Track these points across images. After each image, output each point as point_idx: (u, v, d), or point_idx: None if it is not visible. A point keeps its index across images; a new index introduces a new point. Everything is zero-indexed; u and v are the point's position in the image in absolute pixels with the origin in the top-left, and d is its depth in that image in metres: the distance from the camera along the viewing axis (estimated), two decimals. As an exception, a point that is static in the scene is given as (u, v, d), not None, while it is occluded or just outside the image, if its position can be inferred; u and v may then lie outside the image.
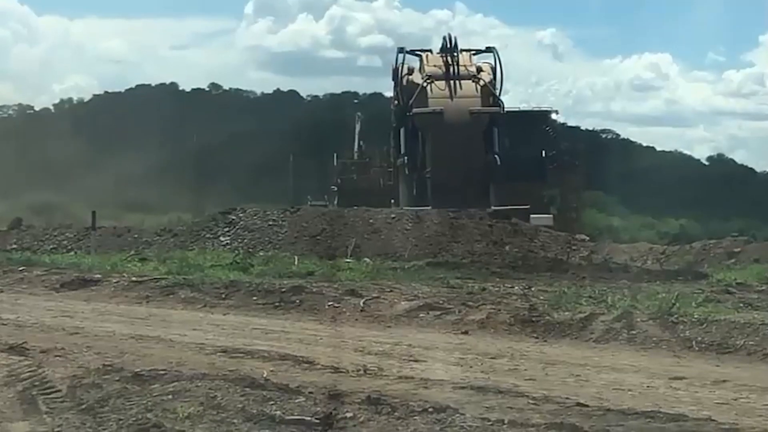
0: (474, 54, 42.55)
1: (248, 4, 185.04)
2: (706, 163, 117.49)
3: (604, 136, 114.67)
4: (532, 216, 34.89)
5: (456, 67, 40.41)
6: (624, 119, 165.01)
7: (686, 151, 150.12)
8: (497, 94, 40.57)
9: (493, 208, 35.17)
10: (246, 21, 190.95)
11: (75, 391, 9.18)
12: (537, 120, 46.06)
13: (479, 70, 40.86)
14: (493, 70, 41.39)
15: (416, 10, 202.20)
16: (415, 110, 39.54)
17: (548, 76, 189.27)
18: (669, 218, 76.89)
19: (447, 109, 39.16)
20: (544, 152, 46.36)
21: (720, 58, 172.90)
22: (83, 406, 8.67)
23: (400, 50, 42.52)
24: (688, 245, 31.10)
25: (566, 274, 21.59)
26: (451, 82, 40.07)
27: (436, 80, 40.03)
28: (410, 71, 41.32)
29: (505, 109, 43.88)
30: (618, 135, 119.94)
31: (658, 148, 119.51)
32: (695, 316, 13.24)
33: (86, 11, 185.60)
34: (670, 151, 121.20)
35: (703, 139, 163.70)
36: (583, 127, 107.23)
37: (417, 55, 42.55)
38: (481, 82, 40.00)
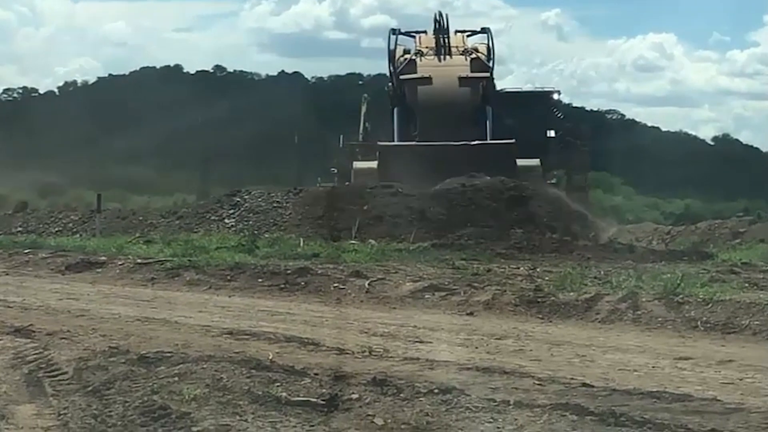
0: (469, 35, 42.51)
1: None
2: (712, 143, 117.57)
3: (609, 116, 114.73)
4: (518, 161, 34.80)
5: (446, 42, 40.49)
6: (629, 100, 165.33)
7: (691, 132, 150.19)
8: (491, 73, 40.53)
9: (477, 141, 35.31)
10: (249, 3, 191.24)
11: (81, 374, 9.19)
12: (539, 100, 45.97)
13: (474, 50, 40.87)
14: (489, 50, 41.34)
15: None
16: (402, 77, 39.57)
17: (553, 57, 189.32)
18: (674, 199, 76.90)
19: (435, 75, 39.15)
20: (548, 132, 46.36)
21: (724, 38, 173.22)
22: (89, 389, 8.67)
23: (393, 31, 42.34)
24: (693, 225, 31.22)
25: (571, 254, 21.58)
26: (441, 57, 40.15)
27: (427, 56, 40.17)
28: (405, 52, 41.28)
29: (508, 90, 44.24)
30: (623, 115, 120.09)
31: (663, 129, 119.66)
32: (700, 296, 13.23)
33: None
34: (675, 132, 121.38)
35: (708, 119, 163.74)
36: (587, 108, 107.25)
37: (411, 36, 42.45)
38: (473, 55, 40.00)
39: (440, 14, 41.63)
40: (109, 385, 8.74)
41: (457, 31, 42.19)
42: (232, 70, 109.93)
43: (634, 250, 22.82)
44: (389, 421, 7.79)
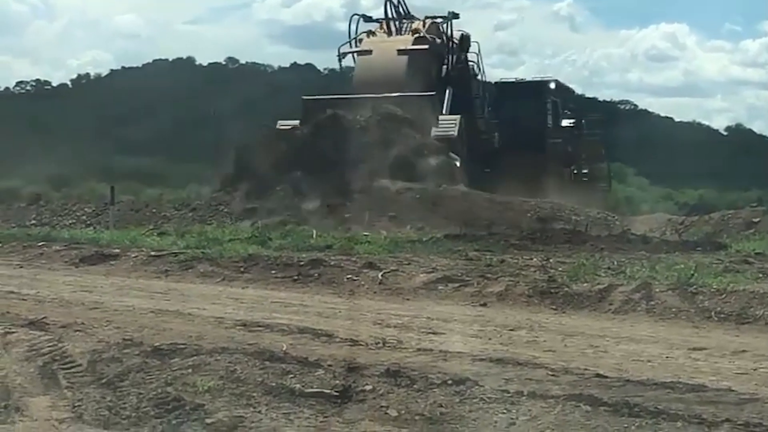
0: (442, 21, 42.69)
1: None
2: (725, 134, 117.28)
3: (621, 107, 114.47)
4: (433, 128, 35.14)
5: (398, 24, 40.82)
6: (641, 90, 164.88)
7: (704, 122, 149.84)
8: (453, 56, 40.91)
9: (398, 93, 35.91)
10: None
11: (95, 366, 9.21)
12: (535, 90, 46.06)
13: (442, 35, 41.40)
14: (450, 35, 41.91)
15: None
16: (343, 50, 40.15)
17: (565, 48, 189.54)
18: (687, 189, 76.62)
19: (376, 48, 39.84)
20: (562, 122, 46.45)
21: (737, 28, 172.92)
22: (103, 381, 8.70)
23: (359, 17, 42.82)
24: (706, 216, 31.05)
25: (585, 245, 21.54)
26: (391, 36, 40.88)
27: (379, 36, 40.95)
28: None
29: (504, 80, 44.67)
30: (636, 106, 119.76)
31: (677, 119, 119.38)
32: (714, 287, 13.20)
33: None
34: (689, 122, 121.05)
35: (721, 109, 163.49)
36: (600, 98, 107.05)
37: (377, 21, 42.74)
38: (421, 33, 40.22)
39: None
40: (123, 377, 8.77)
41: (427, 17, 42.39)
42: (244, 62, 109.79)
43: (647, 241, 22.73)
44: (403, 412, 7.80)
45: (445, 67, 40.96)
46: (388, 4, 41.79)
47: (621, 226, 28.37)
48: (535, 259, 17.84)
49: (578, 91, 55.19)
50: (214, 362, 9.17)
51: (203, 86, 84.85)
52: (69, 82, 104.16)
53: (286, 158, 32.28)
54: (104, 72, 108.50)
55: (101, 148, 58.98)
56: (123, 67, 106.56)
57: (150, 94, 76.80)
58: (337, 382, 8.54)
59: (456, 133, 35.58)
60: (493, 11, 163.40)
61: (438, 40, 40.97)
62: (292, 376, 8.73)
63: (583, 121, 48.82)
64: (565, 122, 47.02)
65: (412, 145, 33.09)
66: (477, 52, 43.72)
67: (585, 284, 14.11)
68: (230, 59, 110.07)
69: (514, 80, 49.08)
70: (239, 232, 23.43)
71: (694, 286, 13.26)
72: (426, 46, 39.64)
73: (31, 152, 51.41)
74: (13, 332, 10.99)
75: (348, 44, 41.72)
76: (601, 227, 27.75)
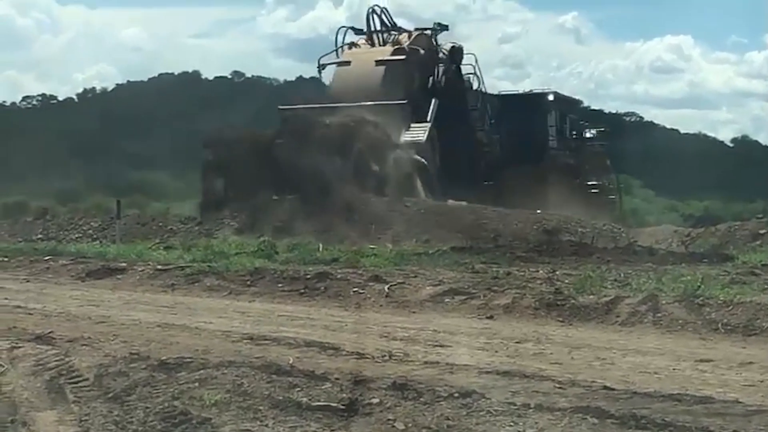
0: (431, 33, 43.19)
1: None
2: (731, 145, 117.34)
3: (627, 119, 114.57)
4: (403, 135, 35.29)
5: (384, 35, 41.09)
6: (647, 102, 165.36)
7: (710, 134, 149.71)
8: (439, 69, 41.32)
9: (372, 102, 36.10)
10: (266, 8, 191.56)
11: (102, 380, 9.22)
12: (534, 102, 46.26)
13: (427, 47, 41.64)
14: (456, 50, 42.37)
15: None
16: (323, 61, 40.44)
17: (570, 60, 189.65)
18: (693, 200, 76.65)
19: (355, 59, 40.18)
20: (585, 132, 46.70)
21: (742, 40, 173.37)
22: (110, 395, 8.71)
23: (342, 28, 43.31)
24: (713, 227, 31.02)
25: (591, 257, 21.51)
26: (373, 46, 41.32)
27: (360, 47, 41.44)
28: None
29: (503, 93, 44.92)
30: (642, 118, 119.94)
31: (682, 131, 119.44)
32: (721, 298, 13.18)
33: (107, 1, 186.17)
34: (695, 134, 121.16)
35: (727, 121, 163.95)
36: (606, 110, 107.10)
37: (364, 33, 43.02)
38: (404, 45, 40.42)
39: (373, 10, 42.72)
40: (130, 391, 8.77)
41: (417, 29, 42.99)
42: (250, 76, 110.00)
43: (653, 253, 22.70)
44: (410, 425, 7.79)
45: (431, 78, 41.05)
46: (371, 16, 42.13)
47: (627, 238, 28.33)
48: (541, 272, 17.81)
49: (584, 102, 55.17)
50: (221, 376, 9.18)
51: (209, 100, 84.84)
52: (75, 97, 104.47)
53: (261, 171, 32.46)
54: (110, 86, 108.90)
55: (107, 162, 59.10)
56: (128, 81, 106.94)
57: (156, 107, 76.91)
58: (344, 395, 8.54)
59: (424, 139, 35.67)
60: (497, 24, 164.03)
61: (422, 51, 41.05)
62: (299, 389, 8.73)
63: (591, 132, 48.98)
64: (587, 133, 47.35)
65: (378, 151, 33.32)
66: (474, 63, 44.01)
67: (592, 296, 14.09)
68: (236, 73, 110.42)
69: (514, 92, 49.32)
70: (245, 245, 23.38)
71: (701, 298, 13.24)
72: (403, 57, 39.82)
73: (37, 167, 51.54)
74: (20, 347, 11.01)
75: (330, 55, 42.15)
76: (607, 239, 27.75)
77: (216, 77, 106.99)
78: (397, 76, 38.94)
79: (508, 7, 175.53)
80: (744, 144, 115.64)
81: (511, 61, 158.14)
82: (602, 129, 51.63)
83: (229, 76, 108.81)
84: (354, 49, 41.45)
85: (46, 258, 21.75)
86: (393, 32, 42.11)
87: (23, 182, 49.07)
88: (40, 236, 31.91)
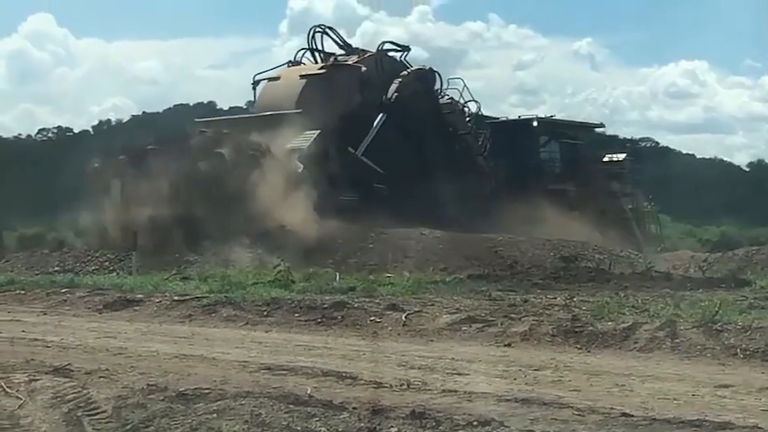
0: (399, 51, 44.60)
1: (283, 22, 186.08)
2: (747, 170, 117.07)
3: (643, 144, 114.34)
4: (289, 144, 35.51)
5: (322, 55, 42.71)
6: (662, 127, 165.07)
7: (726, 158, 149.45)
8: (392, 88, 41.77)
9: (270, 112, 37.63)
10: (280, 39, 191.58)
11: (120, 412, 9.22)
12: (521, 129, 46.66)
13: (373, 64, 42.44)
14: (422, 73, 43.52)
15: (449, 23, 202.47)
16: (257, 78, 42.75)
17: (585, 86, 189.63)
18: (710, 226, 76.43)
19: (283, 76, 41.69)
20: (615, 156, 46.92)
21: (756, 64, 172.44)
22: (128, 427, 8.70)
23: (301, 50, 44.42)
24: (730, 252, 30.98)
25: (608, 284, 21.49)
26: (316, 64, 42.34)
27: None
28: None
29: (495, 120, 45.41)
30: (657, 143, 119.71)
31: (698, 156, 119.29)
32: (739, 324, 13.14)
33: (123, 34, 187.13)
34: (710, 158, 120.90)
35: (743, 146, 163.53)
36: (621, 136, 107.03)
37: (327, 54, 43.91)
38: (338, 61, 41.75)
39: (317, 30, 43.79)
40: (148, 422, 8.77)
41: (381, 49, 44.21)
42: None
43: (671, 278, 22.71)
44: (429, 454, 7.78)
45: (385, 96, 41.40)
46: (316, 36, 43.36)
47: (644, 264, 28.29)
48: (558, 298, 17.80)
49: (599, 129, 55.15)
50: (239, 407, 9.16)
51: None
52: (90, 129, 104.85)
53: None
54: (125, 118, 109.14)
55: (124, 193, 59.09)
56: (144, 112, 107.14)
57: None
58: (362, 424, 8.52)
59: (306, 147, 35.78)
60: (512, 51, 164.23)
61: (364, 68, 41.74)
62: (317, 419, 8.71)
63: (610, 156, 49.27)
64: (616, 157, 47.85)
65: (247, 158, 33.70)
66: (459, 89, 44.71)
67: (609, 323, 14.06)
68: (250, 103, 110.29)
69: (503, 119, 49.67)
70: (262, 275, 23.37)
71: (719, 324, 13.20)
72: (323, 71, 40.65)
73: (53, 199, 51.63)
74: (38, 379, 11.00)
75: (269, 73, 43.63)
76: (624, 265, 27.71)
77: (231, 107, 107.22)
78: (318, 89, 39.70)
79: (522, 34, 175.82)
80: (760, 168, 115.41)
81: (525, 88, 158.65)
82: (618, 155, 51.76)
83: (244, 106, 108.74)
84: (292, 67, 42.25)
85: (63, 290, 21.76)
86: (355, 53, 42.75)
87: (39, 214, 49.09)
88: (56, 268, 31.92)
